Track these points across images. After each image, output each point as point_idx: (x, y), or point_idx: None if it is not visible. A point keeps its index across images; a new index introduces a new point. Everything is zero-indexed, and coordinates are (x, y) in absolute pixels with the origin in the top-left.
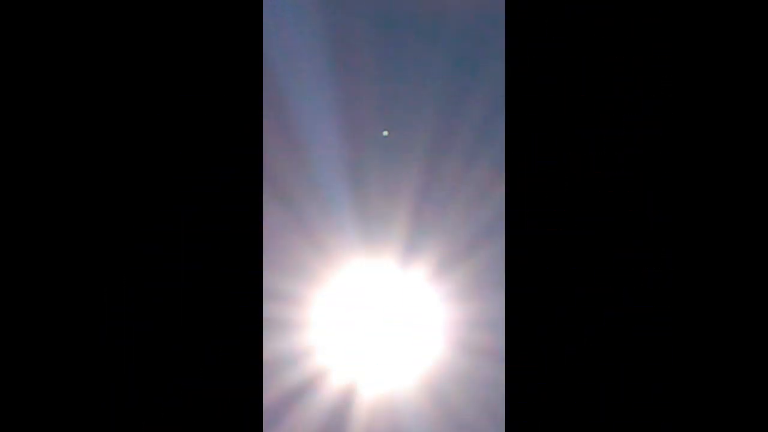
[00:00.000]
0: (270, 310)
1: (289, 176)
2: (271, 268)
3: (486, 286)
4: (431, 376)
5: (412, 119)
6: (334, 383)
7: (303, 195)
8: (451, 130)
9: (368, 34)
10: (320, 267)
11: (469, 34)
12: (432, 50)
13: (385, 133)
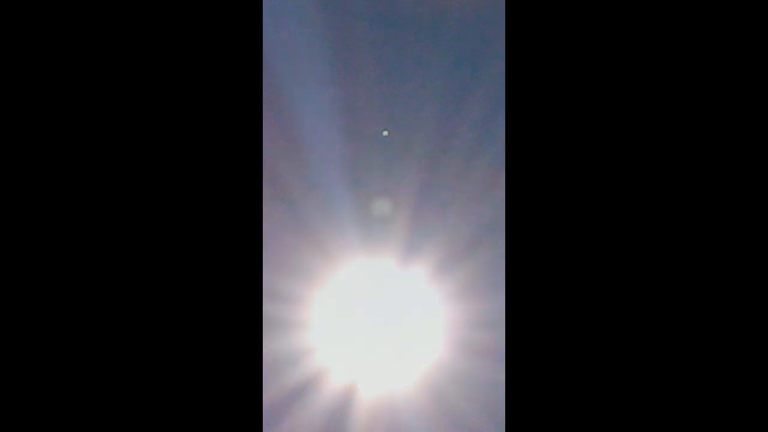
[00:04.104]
0: (270, 310)
1: (289, 176)
2: (271, 268)
3: (486, 286)
4: (431, 376)
5: (412, 119)
6: (334, 383)
7: (303, 195)
8: (451, 130)
9: (368, 34)
10: (320, 267)
11: (469, 34)
12: (432, 50)
13: (385, 133)
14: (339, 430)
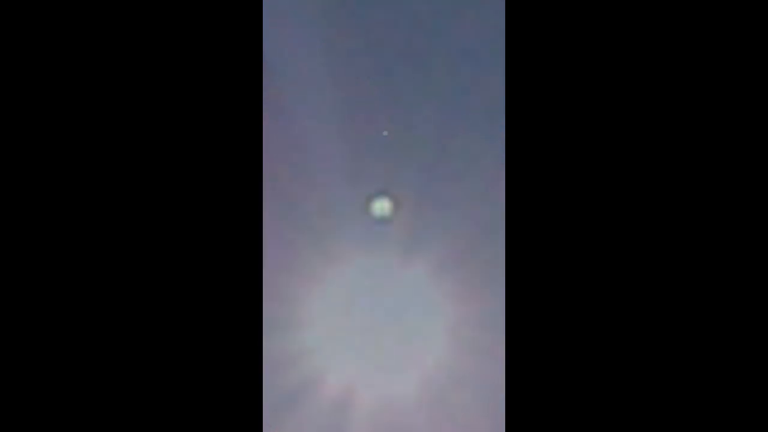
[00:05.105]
0: (270, 310)
1: (289, 176)
2: (271, 268)
3: (486, 286)
4: (431, 376)
5: (412, 119)
6: (333, 384)
7: (303, 195)
8: (451, 130)
9: (369, 33)
10: (320, 267)
11: (469, 34)
12: (432, 50)
13: (385, 133)
14: (339, 430)
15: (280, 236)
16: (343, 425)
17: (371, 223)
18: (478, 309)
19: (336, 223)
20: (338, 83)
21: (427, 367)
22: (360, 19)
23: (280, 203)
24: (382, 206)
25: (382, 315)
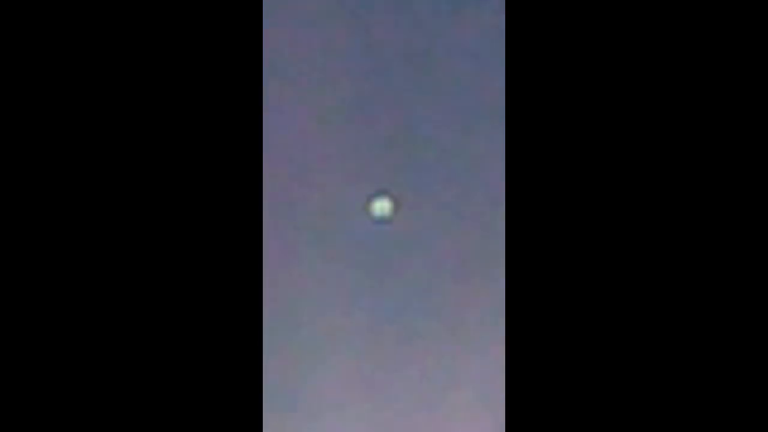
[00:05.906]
0: (270, 310)
1: (289, 176)
2: (271, 268)
3: (486, 286)
4: (431, 376)
5: (412, 119)
6: (333, 383)
7: (303, 195)
8: (452, 129)
9: (369, 33)
10: (320, 267)
11: (469, 34)
12: (432, 50)
13: (386, 133)
14: (339, 429)
15: (280, 236)
16: (343, 425)
17: (371, 223)
18: (478, 309)
19: (336, 223)
20: (338, 83)
21: (427, 367)
22: (360, 19)
23: (280, 203)
24: (382, 206)
25: (382, 315)
